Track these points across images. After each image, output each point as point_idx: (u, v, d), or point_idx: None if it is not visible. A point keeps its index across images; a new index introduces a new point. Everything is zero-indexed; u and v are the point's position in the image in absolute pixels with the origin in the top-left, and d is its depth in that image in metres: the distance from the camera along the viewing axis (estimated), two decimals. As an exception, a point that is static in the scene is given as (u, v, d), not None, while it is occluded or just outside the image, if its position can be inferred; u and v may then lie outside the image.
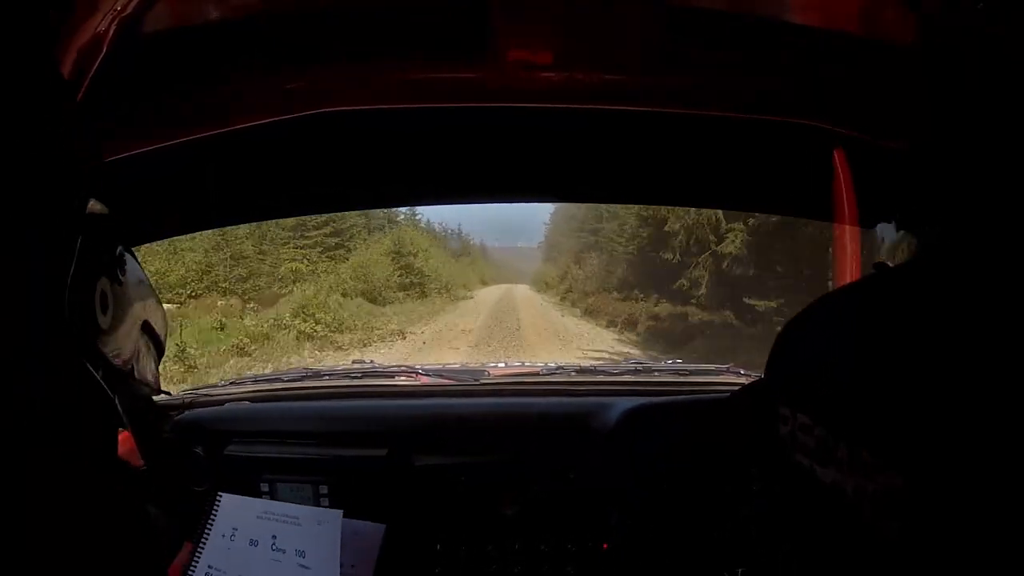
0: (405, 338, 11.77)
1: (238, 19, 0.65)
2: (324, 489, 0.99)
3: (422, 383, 1.27)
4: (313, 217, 15.27)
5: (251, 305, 13.49)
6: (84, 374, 0.53)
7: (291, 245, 16.87)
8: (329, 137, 0.83)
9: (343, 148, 0.88)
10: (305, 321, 11.67)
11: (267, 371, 6.54)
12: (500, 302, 21.04)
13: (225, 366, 9.15)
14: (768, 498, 0.48)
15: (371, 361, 1.55)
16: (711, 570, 0.49)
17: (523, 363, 1.51)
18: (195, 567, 0.86)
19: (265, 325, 11.46)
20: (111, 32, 0.53)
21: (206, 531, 0.88)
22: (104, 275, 0.56)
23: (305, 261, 16.50)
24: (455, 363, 1.50)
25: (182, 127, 0.75)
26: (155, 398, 1.06)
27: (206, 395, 1.20)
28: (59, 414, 0.51)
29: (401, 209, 21.19)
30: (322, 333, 11.50)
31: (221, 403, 1.16)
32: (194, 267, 14.03)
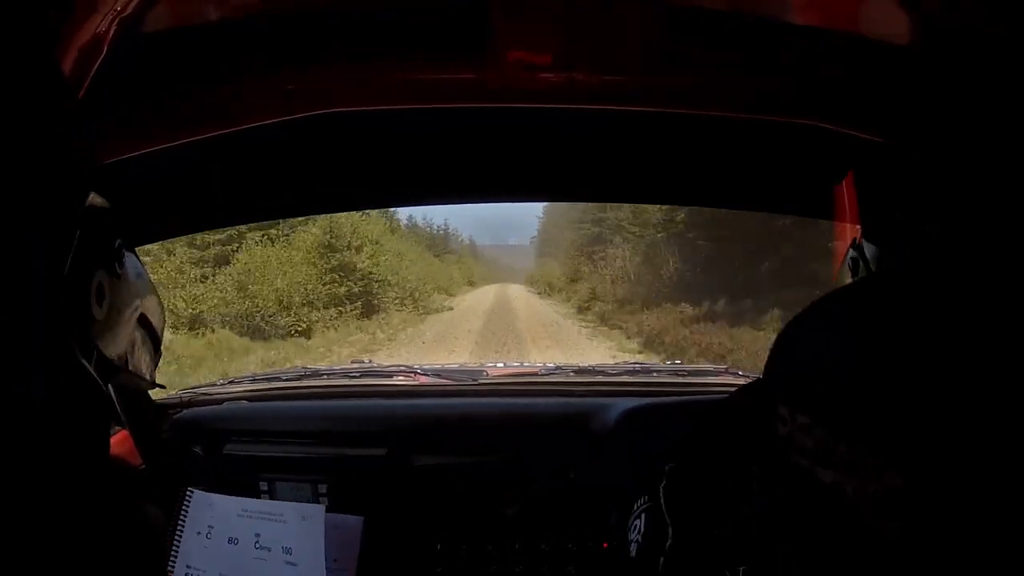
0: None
1: (238, 19, 0.65)
2: (323, 488, 0.99)
3: (421, 383, 1.27)
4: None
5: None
6: (82, 372, 0.53)
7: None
8: (329, 137, 0.83)
9: (343, 148, 0.88)
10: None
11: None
12: (493, 315, 15.24)
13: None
14: (768, 498, 0.48)
15: (369, 360, 1.56)
16: (712, 569, 0.48)
17: (522, 363, 1.52)
18: (173, 566, 0.85)
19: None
20: (111, 32, 0.53)
21: (179, 528, 0.87)
22: (101, 268, 0.56)
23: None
24: (454, 363, 1.50)
25: (182, 127, 0.75)
26: (154, 397, 1.06)
27: (204, 394, 1.20)
28: (59, 414, 0.51)
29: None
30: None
31: (219, 402, 1.16)
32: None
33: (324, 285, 12.22)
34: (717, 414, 0.66)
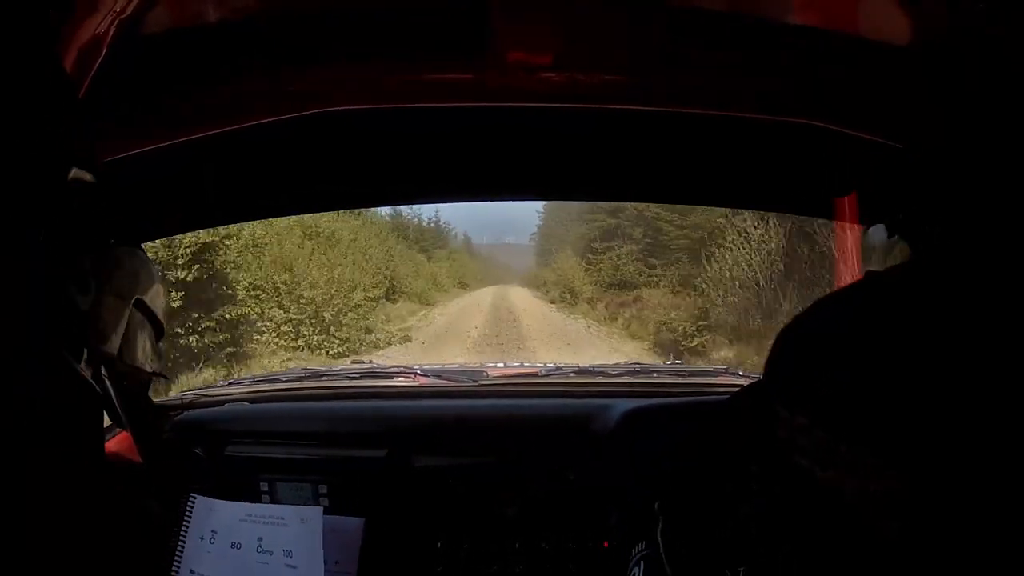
0: None
1: (238, 19, 0.65)
2: (324, 489, 0.99)
3: (421, 384, 1.27)
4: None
5: None
6: (74, 368, 0.54)
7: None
8: (328, 136, 0.83)
9: (342, 147, 0.88)
10: None
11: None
12: (488, 346, 9.21)
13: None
14: (767, 498, 0.48)
15: (370, 361, 1.56)
16: (713, 569, 0.48)
17: (522, 363, 1.52)
18: (177, 571, 0.86)
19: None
20: (111, 32, 0.53)
21: (182, 534, 0.88)
22: (92, 262, 0.56)
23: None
24: (454, 363, 1.50)
25: (181, 127, 0.75)
26: (154, 398, 1.06)
27: (206, 395, 1.20)
28: (59, 414, 0.51)
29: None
30: None
31: (220, 403, 1.16)
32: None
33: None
34: (717, 415, 0.66)
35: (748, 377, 1.26)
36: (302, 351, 8.64)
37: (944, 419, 0.37)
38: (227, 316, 7.82)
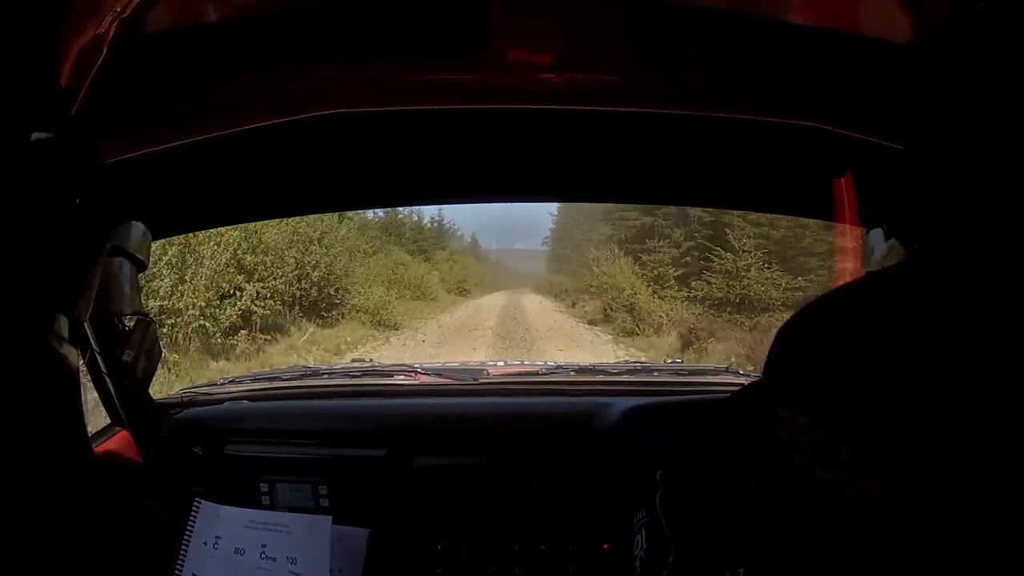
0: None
1: (238, 19, 0.64)
2: (323, 490, 0.99)
3: (421, 382, 1.27)
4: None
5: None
6: (71, 366, 0.54)
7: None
8: (328, 137, 0.83)
9: (342, 148, 0.88)
10: None
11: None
12: None
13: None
14: (767, 496, 0.48)
15: (370, 360, 1.56)
16: (713, 569, 0.49)
17: (522, 362, 1.52)
18: (179, 574, 0.86)
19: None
20: (111, 33, 0.53)
21: (186, 538, 0.88)
22: (91, 263, 0.56)
23: None
24: (454, 363, 1.50)
25: (182, 128, 0.75)
26: (154, 397, 1.06)
27: (205, 394, 1.20)
28: (59, 414, 0.51)
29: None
30: None
31: (220, 402, 1.16)
32: None
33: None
34: (717, 414, 0.67)
35: (748, 377, 1.26)
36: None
37: (944, 419, 0.37)
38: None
